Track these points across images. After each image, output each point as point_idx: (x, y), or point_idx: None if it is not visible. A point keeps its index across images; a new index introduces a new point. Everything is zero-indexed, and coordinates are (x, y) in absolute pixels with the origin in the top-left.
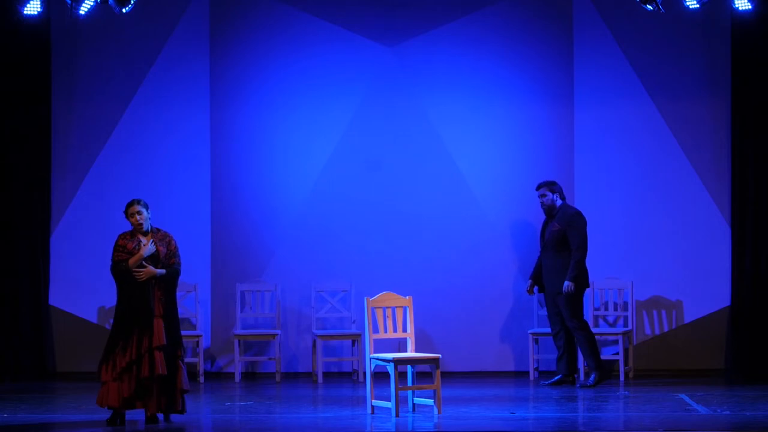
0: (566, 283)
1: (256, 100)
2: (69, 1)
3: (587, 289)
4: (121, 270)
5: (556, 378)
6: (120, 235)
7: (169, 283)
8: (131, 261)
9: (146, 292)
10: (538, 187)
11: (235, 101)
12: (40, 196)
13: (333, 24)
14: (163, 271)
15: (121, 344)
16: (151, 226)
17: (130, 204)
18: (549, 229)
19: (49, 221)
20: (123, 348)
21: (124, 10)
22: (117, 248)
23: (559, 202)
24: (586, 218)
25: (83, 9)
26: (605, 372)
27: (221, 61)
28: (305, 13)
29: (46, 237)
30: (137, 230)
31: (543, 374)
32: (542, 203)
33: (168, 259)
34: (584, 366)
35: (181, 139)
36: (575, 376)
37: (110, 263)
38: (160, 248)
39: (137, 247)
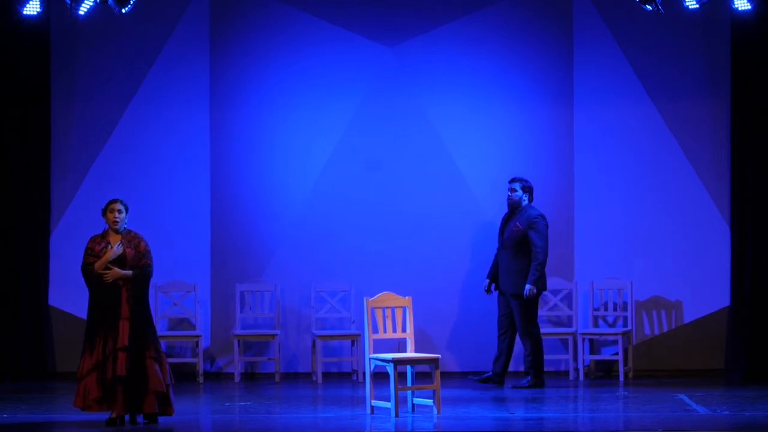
0: (527, 286)
1: (256, 100)
2: (69, 1)
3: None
4: (88, 272)
5: (486, 375)
6: (90, 238)
7: (137, 283)
8: (97, 264)
9: (113, 294)
10: (512, 181)
11: (235, 101)
12: (40, 196)
13: (333, 24)
14: (130, 272)
15: (88, 346)
16: (125, 228)
17: (112, 201)
18: (509, 228)
19: (49, 221)
20: (90, 350)
21: (123, 10)
22: (86, 251)
23: (525, 202)
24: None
25: (83, 9)
26: (542, 380)
27: (221, 61)
28: (305, 13)
29: (46, 237)
30: (111, 229)
31: (543, 374)
32: (509, 197)
33: (137, 260)
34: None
35: (180, 139)
36: (504, 377)
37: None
38: (128, 250)
39: (104, 249)
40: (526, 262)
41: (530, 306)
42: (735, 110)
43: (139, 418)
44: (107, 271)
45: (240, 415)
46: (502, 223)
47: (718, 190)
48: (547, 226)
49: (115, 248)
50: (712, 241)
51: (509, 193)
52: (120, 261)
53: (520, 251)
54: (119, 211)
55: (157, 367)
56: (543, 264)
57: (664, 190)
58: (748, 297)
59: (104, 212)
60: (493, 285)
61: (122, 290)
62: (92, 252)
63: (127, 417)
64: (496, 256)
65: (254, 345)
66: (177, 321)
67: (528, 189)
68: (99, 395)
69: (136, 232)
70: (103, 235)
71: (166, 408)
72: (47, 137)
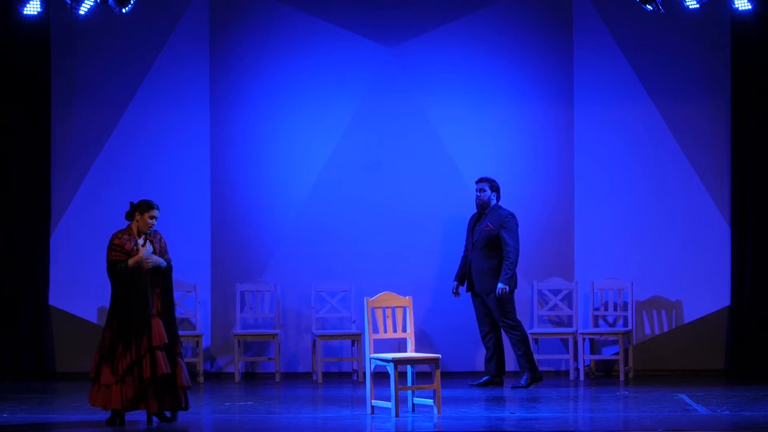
0: (500, 285)
1: (256, 100)
2: (69, 1)
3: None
4: (119, 270)
5: (484, 379)
6: (115, 235)
7: (166, 279)
8: (131, 261)
9: (146, 291)
10: (479, 181)
11: (235, 101)
12: (40, 196)
13: (333, 24)
14: (164, 262)
15: (122, 346)
16: None
17: (151, 207)
18: (480, 228)
19: (49, 221)
20: (124, 349)
21: (124, 10)
22: (114, 248)
23: (494, 201)
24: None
25: (83, 9)
26: (537, 373)
27: (221, 61)
28: (305, 13)
29: (46, 237)
30: (141, 231)
31: (543, 374)
32: (478, 197)
33: (162, 255)
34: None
35: (181, 140)
36: (503, 377)
37: (106, 263)
38: (156, 245)
39: (135, 246)
40: (498, 261)
41: (505, 301)
42: (735, 110)
43: (141, 417)
44: (144, 263)
45: (240, 415)
46: (470, 224)
47: (718, 190)
48: (517, 224)
49: (148, 246)
50: (712, 241)
51: (478, 193)
52: None
53: (491, 251)
54: (156, 218)
55: (183, 363)
56: (515, 263)
57: (664, 190)
58: (748, 297)
59: (138, 213)
60: (462, 287)
61: (152, 287)
62: (122, 249)
63: (124, 416)
64: (464, 258)
65: (254, 345)
66: (177, 321)
67: (496, 188)
68: (134, 395)
69: (155, 228)
70: (129, 232)
71: (187, 402)
72: (47, 137)
